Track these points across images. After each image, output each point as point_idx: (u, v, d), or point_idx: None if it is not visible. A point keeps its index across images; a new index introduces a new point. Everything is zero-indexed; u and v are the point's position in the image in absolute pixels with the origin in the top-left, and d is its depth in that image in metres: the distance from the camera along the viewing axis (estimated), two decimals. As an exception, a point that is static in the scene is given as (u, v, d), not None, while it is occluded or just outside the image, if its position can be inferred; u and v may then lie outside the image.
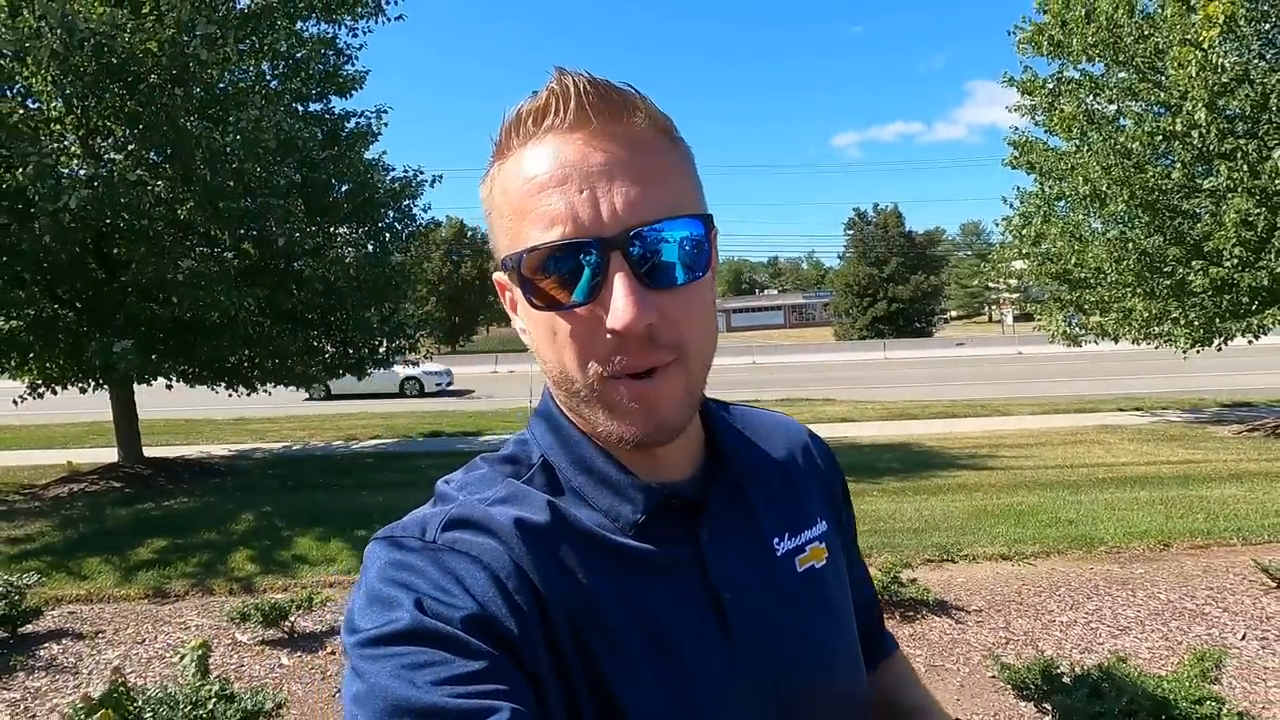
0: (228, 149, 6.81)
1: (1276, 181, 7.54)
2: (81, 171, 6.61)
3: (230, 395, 9.00)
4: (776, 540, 0.64)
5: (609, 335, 0.51)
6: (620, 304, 0.50)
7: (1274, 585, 3.99)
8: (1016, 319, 37.50)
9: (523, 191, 0.53)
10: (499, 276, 0.60)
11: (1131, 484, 6.56)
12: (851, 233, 47.11)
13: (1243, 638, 3.49)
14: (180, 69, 6.66)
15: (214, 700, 2.51)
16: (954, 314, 67.10)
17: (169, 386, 8.04)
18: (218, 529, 6.25)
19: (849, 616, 0.68)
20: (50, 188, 5.90)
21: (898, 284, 42.57)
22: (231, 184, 6.91)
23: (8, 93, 6.87)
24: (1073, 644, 3.49)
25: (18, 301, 6.67)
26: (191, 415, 13.82)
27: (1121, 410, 11.99)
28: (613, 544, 0.56)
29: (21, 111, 6.66)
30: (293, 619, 3.89)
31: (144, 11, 6.62)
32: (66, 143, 7.23)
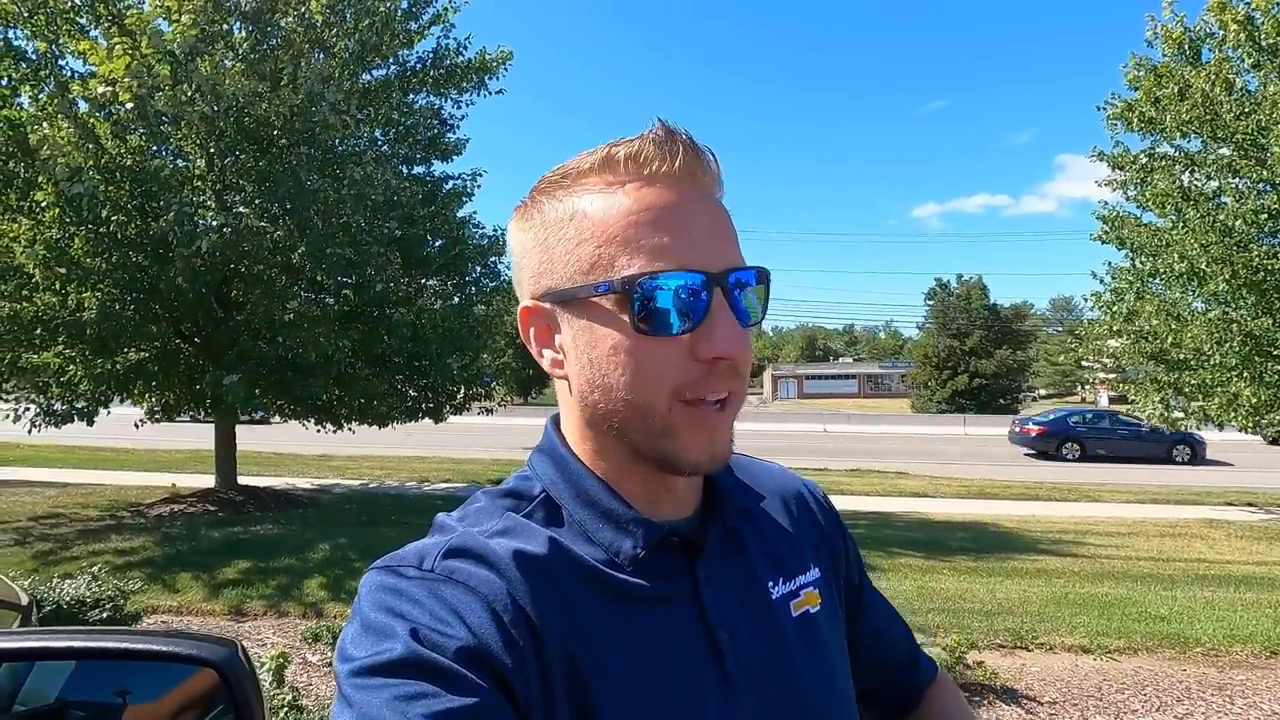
0: (340, 203, 7.53)
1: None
2: (213, 221, 7.46)
3: (319, 431, 9.58)
4: (771, 584, 0.65)
5: (705, 362, 0.54)
6: (726, 333, 0.54)
7: (1401, 707, 3.57)
8: (1112, 400, 35.22)
9: (624, 222, 0.55)
10: (531, 304, 0.61)
11: (1236, 583, 6.02)
12: (932, 303, 45.98)
13: (1360, 761, 3.13)
14: (307, 133, 7.47)
15: (286, 709, 2.68)
16: (1043, 392, 63.55)
17: (267, 420, 8.67)
18: (296, 556, 6.61)
19: (843, 663, 0.69)
20: (187, 234, 6.67)
21: (980, 358, 40.98)
22: (340, 234, 7.59)
23: (163, 152, 7.86)
24: (1157, 748, 3.23)
25: (151, 335, 7.45)
26: (280, 449, 14.71)
27: (1231, 504, 11.02)
28: (611, 579, 0.57)
29: (170, 168, 7.62)
30: (359, 644, 4.08)
31: (281, 84, 7.50)
32: (203, 196, 8.18)
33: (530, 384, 43.95)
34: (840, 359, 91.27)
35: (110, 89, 6.84)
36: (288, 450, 14.67)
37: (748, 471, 0.73)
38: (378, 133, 9.41)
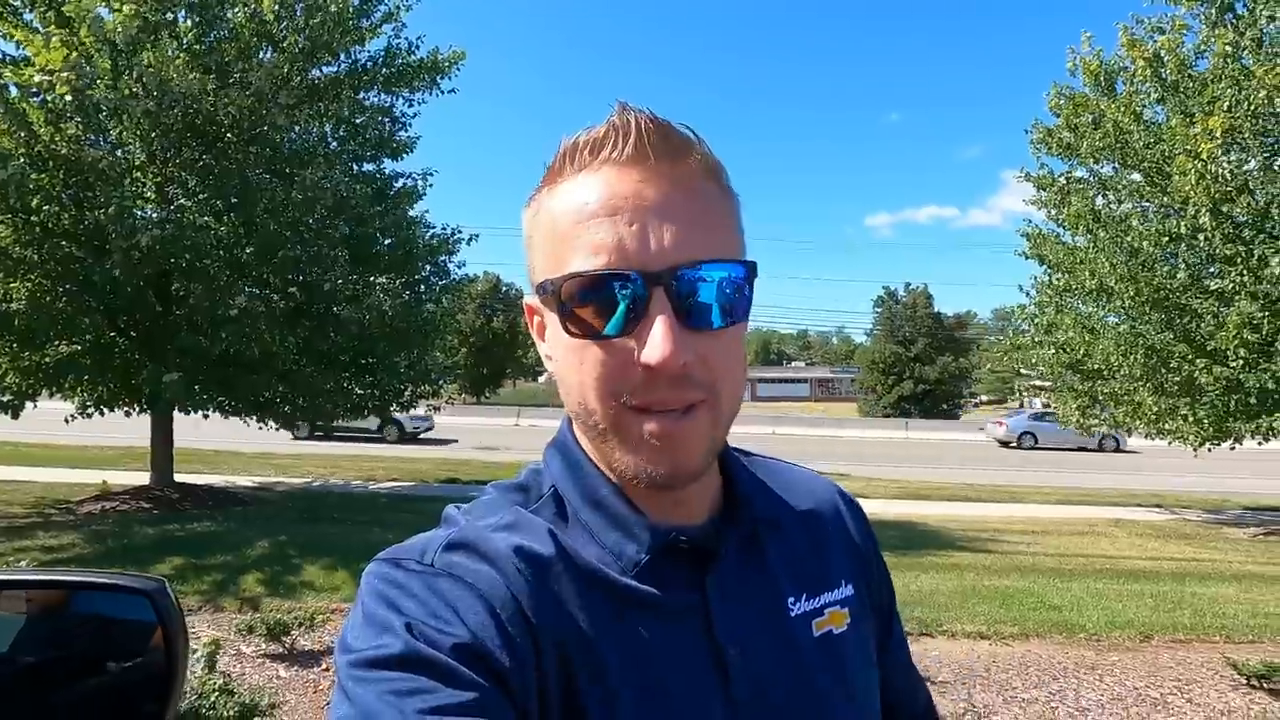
0: (289, 203, 7.50)
1: (1279, 287, 7.73)
2: (154, 214, 7.35)
3: (260, 428, 9.48)
4: (792, 600, 0.61)
5: (641, 370, 0.50)
6: (658, 340, 0.49)
7: (1243, 681, 4.03)
8: (1044, 406, 36.94)
9: (571, 218, 0.53)
10: (530, 300, 0.60)
11: (1126, 577, 6.56)
12: (880, 310, 47.38)
13: (1200, 728, 3.55)
14: (255, 131, 7.44)
15: (216, 693, 2.79)
16: (984, 398, 66.08)
17: (206, 416, 8.55)
18: (234, 552, 6.59)
19: (869, 690, 0.64)
20: (127, 228, 6.58)
21: (924, 364, 42.44)
22: (288, 234, 7.57)
23: (101, 142, 7.70)
24: (1029, 719, 3.59)
25: (82, 328, 7.30)
26: (220, 446, 14.39)
27: (1141, 505, 11.82)
28: (614, 582, 0.55)
29: (109, 159, 7.47)
30: (294, 635, 4.17)
31: (230, 81, 7.45)
32: (143, 188, 8.03)
33: (484, 383, 43.63)
34: (793, 363, 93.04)
35: (47, 79, 6.70)
36: (228, 447, 14.36)
37: (778, 477, 0.69)
38: (327, 129, 9.37)
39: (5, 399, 7.73)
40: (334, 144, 9.33)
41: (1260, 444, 8.96)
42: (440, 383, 10.65)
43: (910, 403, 41.80)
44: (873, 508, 10.86)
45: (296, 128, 8.59)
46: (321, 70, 8.91)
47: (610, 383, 0.52)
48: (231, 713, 2.72)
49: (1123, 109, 9.10)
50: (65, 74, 6.38)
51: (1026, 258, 10.69)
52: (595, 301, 0.51)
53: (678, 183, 0.53)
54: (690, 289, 0.51)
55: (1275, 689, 3.96)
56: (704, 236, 0.52)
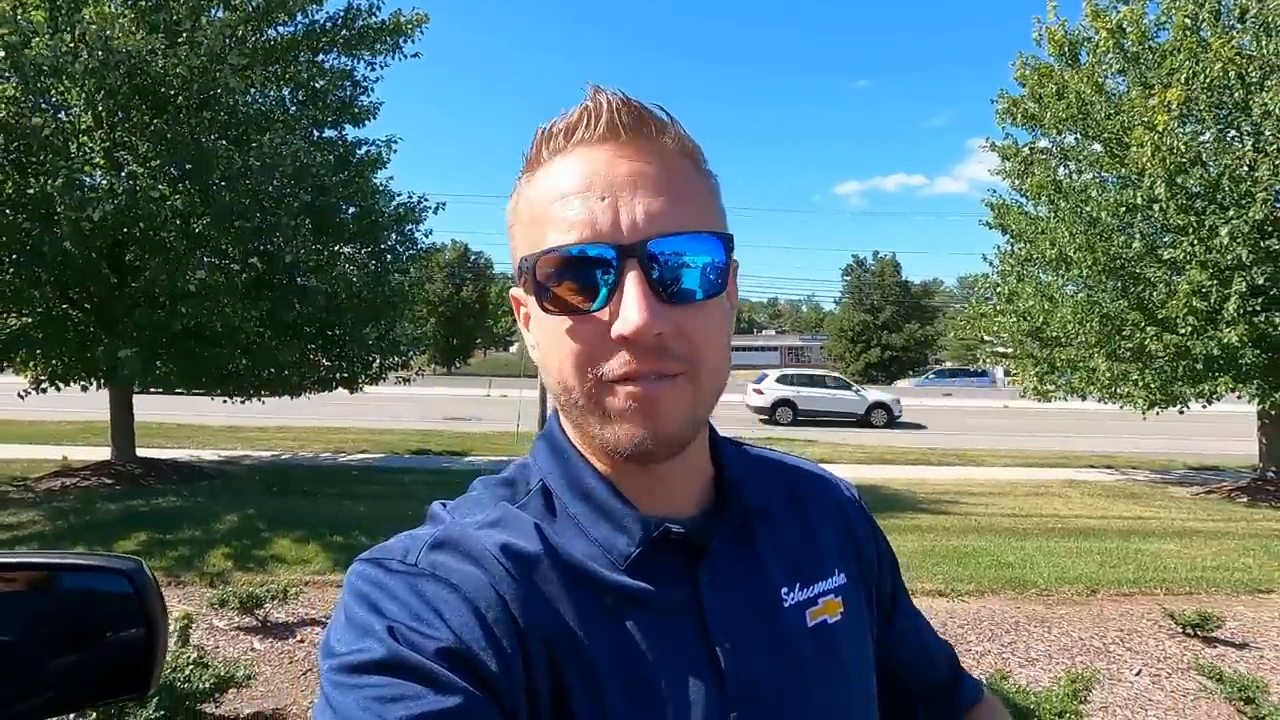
0: (246, 170, 7.26)
1: (1227, 256, 8.02)
2: (103, 182, 7.06)
3: (225, 402, 9.32)
4: (785, 590, 0.61)
5: (616, 342, 0.50)
6: (631, 310, 0.49)
7: (1179, 630, 4.30)
8: (1007, 373, 38.00)
9: (546, 199, 0.53)
10: (516, 292, 0.60)
11: (1076, 535, 6.88)
12: (849, 279, 47.93)
13: (1138, 673, 3.79)
14: (208, 94, 7.15)
15: (190, 666, 2.81)
16: (948, 364, 67.66)
17: (164, 393, 8.37)
18: (201, 527, 6.53)
19: (865, 676, 0.64)
20: (76, 199, 6.32)
21: (891, 332, 43.24)
22: (246, 202, 7.35)
23: (42, 105, 7.34)
24: (982, 670, 3.79)
25: (32, 300, 7.04)
26: (184, 420, 14.10)
27: (1093, 467, 12.32)
28: (603, 578, 0.54)
29: (52, 125, 7.13)
30: (267, 608, 4.18)
31: (179, 40, 7.13)
32: (91, 154, 7.70)
33: (454, 353, 43.24)
34: (764, 331, 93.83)
35: (-23, 34, 6.33)
36: (192, 421, 14.09)
37: (771, 468, 0.69)
38: (285, 93, 9.05)
39: (-47, 374, 7.47)
40: (293, 109, 9.03)
41: (1204, 407, 9.36)
42: (410, 354, 10.54)
43: (877, 369, 42.67)
44: (839, 473, 11.09)
45: (252, 91, 8.28)
46: (277, 30, 8.58)
47: (588, 357, 0.52)
48: (207, 685, 2.74)
49: (1085, 79, 9.24)
50: None
51: (990, 227, 10.89)
52: (570, 277, 0.51)
53: (650, 158, 0.53)
54: (664, 261, 0.51)
55: (1208, 637, 4.24)
56: (677, 210, 0.52)
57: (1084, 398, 10.92)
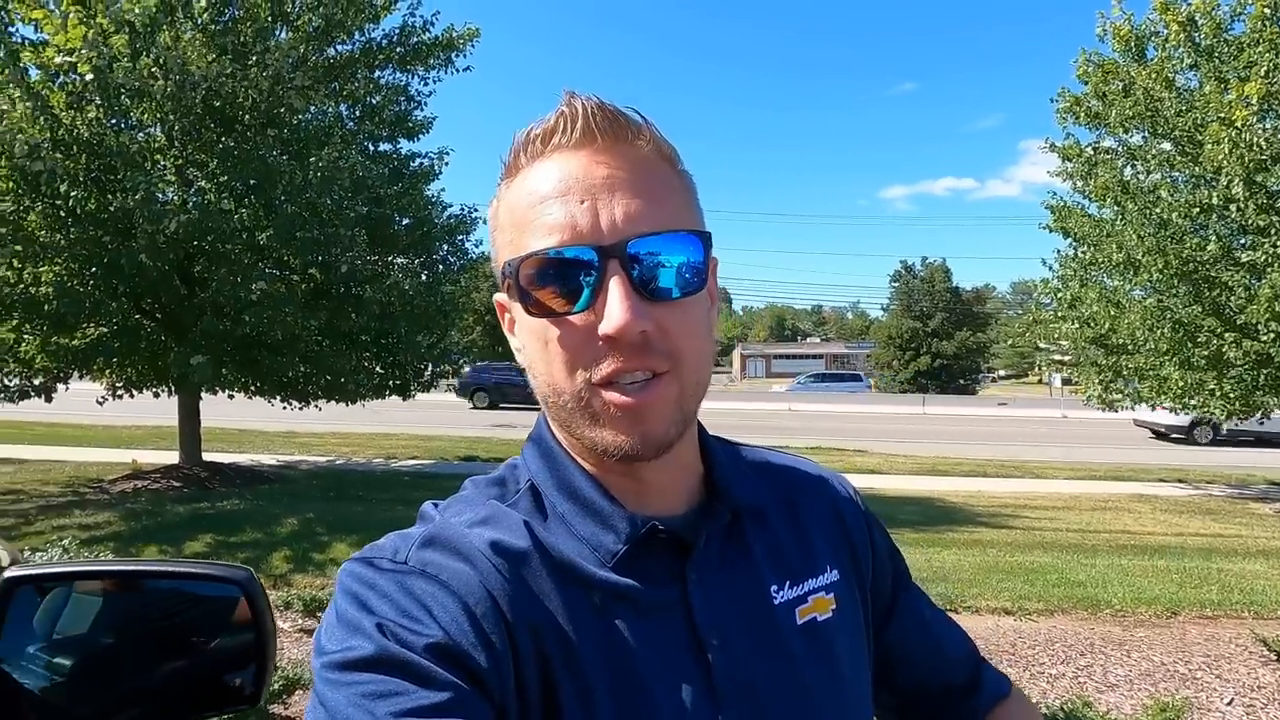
0: (307, 184, 7.52)
1: (1314, 259, 7.54)
2: (175, 198, 7.40)
3: (285, 408, 9.62)
4: (775, 588, 0.61)
5: (601, 342, 0.51)
6: (615, 310, 0.50)
7: (1273, 657, 4.02)
8: (1065, 382, 36.57)
9: (525, 205, 0.54)
10: (500, 298, 0.61)
11: (1151, 552, 6.53)
12: (897, 285, 46.91)
13: (1229, 702, 3.55)
14: (273, 112, 7.44)
15: (260, 667, 2.87)
16: (1001, 373, 65.54)
17: (231, 397, 8.69)
18: (263, 530, 6.73)
19: (858, 673, 0.64)
20: (153, 213, 6.63)
21: (942, 339, 42.11)
22: (306, 215, 7.60)
23: (124, 126, 7.74)
24: (1057, 694, 3.60)
25: (109, 311, 7.40)
26: (245, 425, 14.63)
27: (1163, 481, 11.72)
28: (592, 575, 0.54)
29: (132, 143, 7.51)
30: (328, 612, 4.27)
31: (249, 63, 7.44)
32: (164, 171, 8.08)
33: (499, 361, 43.86)
34: (808, 339, 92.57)
35: (67, 59, 6.71)
36: (252, 426, 14.59)
37: (761, 465, 0.69)
38: (343, 109, 9.35)
39: (37, 382, 7.89)
40: (350, 124, 9.32)
41: (1290, 418, 8.80)
42: (459, 362, 10.72)
43: (926, 378, 41.57)
44: (892, 484, 10.86)
45: (312, 108, 8.58)
46: (336, 49, 8.88)
47: (574, 359, 0.52)
48: (276, 686, 2.80)
49: (1154, 75, 8.84)
50: (86, 51, 6.38)
51: (1050, 231, 10.50)
52: (552, 280, 0.52)
53: (625, 160, 0.54)
54: (644, 260, 0.51)
55: (1305, 665, 3.95)
56: (654, 209, 0.53)
57: (1153, 408, 10.41)
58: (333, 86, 8.73)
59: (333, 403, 9.44)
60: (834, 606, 0.63)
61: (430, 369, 10.11)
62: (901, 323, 43.56)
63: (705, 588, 0.57)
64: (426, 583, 0.51)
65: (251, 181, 7.78)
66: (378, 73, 9.32)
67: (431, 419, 18.13)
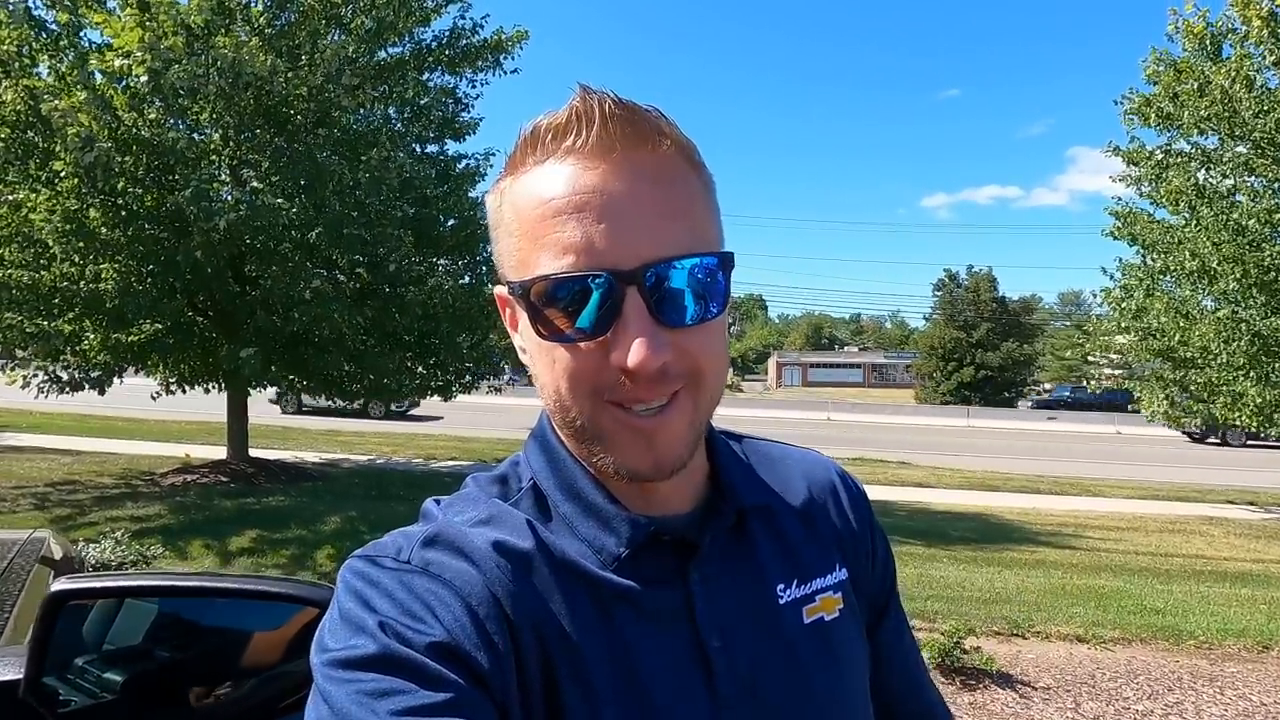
0: (356, 184, 7.57)
1: None
2: (229, 197, 7.52)
3: (330, 405, 9.71)
4: (782, 587, 0.59)
5: (617, 371, 0.50)
6: (635, 344, 0.48)
7: (1388, 702, 3.66)
8: (1127, 398, 35.18)
9: (536, 214, 0.51)
10: (501, 291, 0.58)
11: (1233, 580, 6.10)
12: (940, 294, 45.82)
13: (1344, 752, 3.23)
14: (323, 112, 7.50)
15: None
16: (1048, 386, 63.46)
17: (282, 394, 8.79)
18: (308, 527, 6.75)
19: (861, 677, 0.63)
20: (205, 210, 6.73)
21: (987, 350, 40.93)
22: (355, 214, 7.65)
23: (179, 125, 7.91)
24: (1147, 734, 3.33)
25: (166, 309, 7.54)
26: (289, 423, 14.88)
27: (1232, 503, 11.08)
28: (594, 576, 0.54)
29: (186, 141, 7.66)
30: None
31: (300, 62, 7.52)
32: (218, 171, 8.23)
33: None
34: (846, 348, 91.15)
35: (126, 61, 6.87)
36: (296, 425, 14.84)
37: (770, 460, 0.67)
38: (392, 111, 9.43)
39: (95, 375, 8.08)
40: (398, 125, 9.39)
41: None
42: (501, 364, 10.69)
43: (970, 390, 40.41)
44: (941, 498, 10.47)
45: (362, 109, 8.66)
46: (387, 51, 8.95)
47: (586, 383, 0.51)
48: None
49: (1232, 74, 8.37)
50: (141, 54, 6.51)
51: (1116, 238, 10.02)
52: (566, 303, 0.49)
53: (645, 174, 0.50)
54: (664, 285, 0.49)
55: None
56: (675, 229, 0.50)
57: (1224, 427, 9.84)
58: (382, 88, 8.80)
59: (377, 401, 9.48)
60: (841, 606, 0.62)
61: (471, 370, 10.11)
62: (945, 332, 42.45)
63: (709, 588, 0.56)
64: (429, 581, 0.50)
65: (302, 181, 7.87)
66: (426, 75, 9.38)
67: (471, 420, 18.23)
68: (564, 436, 0.57)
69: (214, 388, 8.66)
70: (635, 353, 0.48)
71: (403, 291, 8.78)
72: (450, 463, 11.84)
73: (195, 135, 8.15)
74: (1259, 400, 8.57)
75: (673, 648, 0.54)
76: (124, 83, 7.44)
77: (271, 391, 13.48)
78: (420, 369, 9.78)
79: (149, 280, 7.51)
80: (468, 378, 10.03)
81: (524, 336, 0.56)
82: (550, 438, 0.59)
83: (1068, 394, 36.88)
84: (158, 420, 14.33)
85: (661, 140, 0.52)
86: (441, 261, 10.05)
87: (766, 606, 0.59)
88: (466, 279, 10.00)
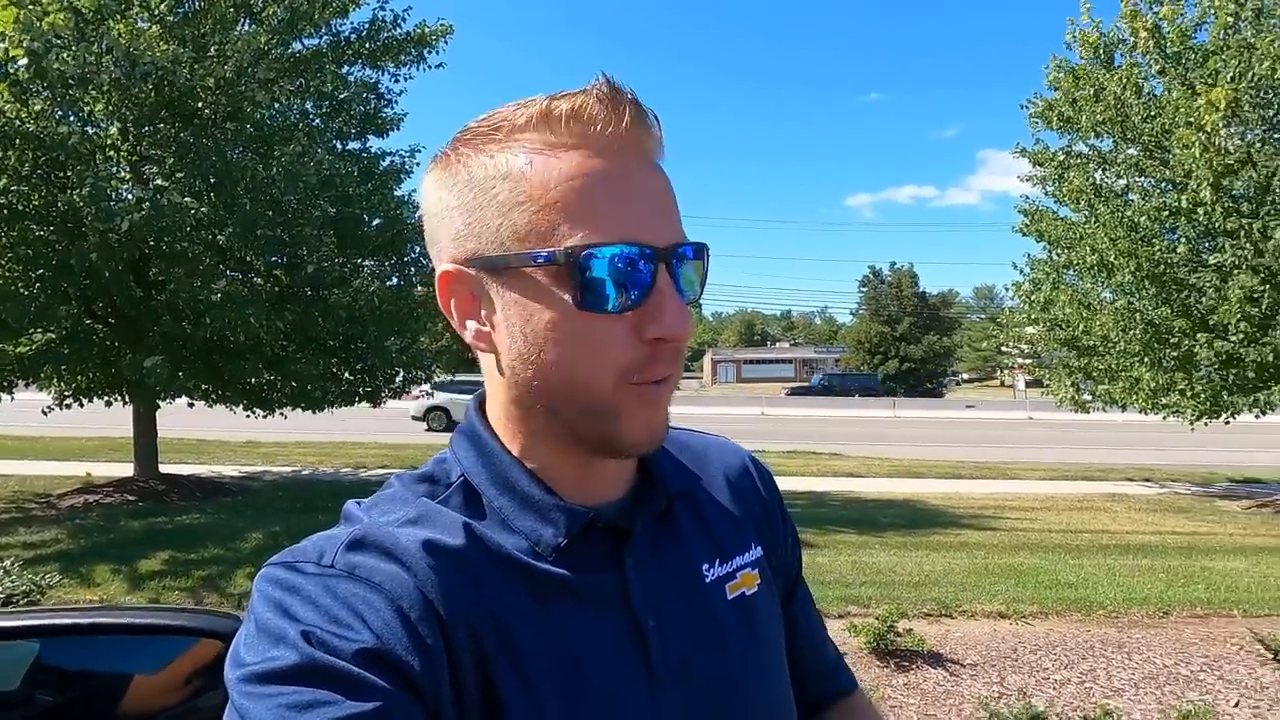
0: (270, 182, 7.18)
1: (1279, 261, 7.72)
2: (129, 195, 7.00)
3: (248, 416, 9.20)
4: (706, 566, 0.62)
5: (651, 344, 0.51)
6: (673, 312, 0.51)
7: (1270, 657, 3.99)
8: (1028, 384, 37.37)
9: (569, 186, 0.50)
10: (454, 268, 0.54)
11: (1134, 552, 6.56)
12: (865, 290, 47.57)
13: (1236, 705, 3.50)
14: (234, 106, 7.08)
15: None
16: (965, 376, 66.79)
17: (191, 405, 8.26)
18: (226, 545, 6.37)
19: (779, 646, 0.66)
20: (103, 210, 6.24)
21: (909, 343, 42.78)
22: (270, 214, 7.26)
23: (70, 117, 7.31)
24: (1065, 701, 3.52)
25: (60, 316, 6.96)
26: (204, 435, 14.03)
27: (1131, 480, 11.93)
28: (531, 569, 0.54)
29: (79, 135, 7.09)
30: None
31: (208, 52, 7.08)
32: (117, 167, 7.66)
33: (473, 366, 43.22)
34: (778, 344, 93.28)
35: (2, 44, 6.29)
36: (212, 437, 14.01)
37: (688, 448, 0.70)
38: (309, 105, 9.01)
39: (-25, 391, 7.40)
40: (317, 121, 8.98)
41: (1257, 417, 9.01)
42: (433, 366, 10.40)
43: (895, 382, 42.14)
44: (871, 486, 10.84)
45: (277, 104, 8.24)
46: (302, 43, 8.54)
47: (615, 358, 0.51)
48: None
49: (1123, 82, 9.00)
50: (16, 35, 5.97)
51: (1024, 234, 10.62)
52: (614, 276, 0.50)
53: (656, 166, 0.55)
54: (683, 266, 0.53)
55: (1301, 663, 3.93)
56: (677, 216, 0.55)
57: (1124, 408, 10.58)
58: (299, 82, 8.39)
59: (300, 410, 9.04)
60: (759, 581, 0.64)
61: (402, 375, 9.79)
62: (870, 327, 44.16)
63: (641, 571, 0.57)
64: (356, 586, 0.48)
65: (211, 179, 7.41)
66: (346, 68, 9.01)
67: (399, 428, 17.69)
68: (510, 418, 0.57)
69: (117, 400, 8.06)
70: (675, 321, 0.51)
71: (325, 294, 8.40)
72: (381, 470, 11.42)
73: (89, 129, 7.56)
74: (1153, 384, 9.25)
75: (611, 631, 0.55)
76: (3, 70, 6.82)
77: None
78: (347, 375, 9.40)
79: (37, 285, 6.91)
80: (397, 382, 9.70)
81: (532, 320, 0.52)
82: (481, 432, 0.59)
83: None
84: (55, 437, 13.23)
85: (661, 137, 0.55)
86: (367, 263, 9.68)
87: (694, 586, 0.60)
88: (394, 280, 9.67)
